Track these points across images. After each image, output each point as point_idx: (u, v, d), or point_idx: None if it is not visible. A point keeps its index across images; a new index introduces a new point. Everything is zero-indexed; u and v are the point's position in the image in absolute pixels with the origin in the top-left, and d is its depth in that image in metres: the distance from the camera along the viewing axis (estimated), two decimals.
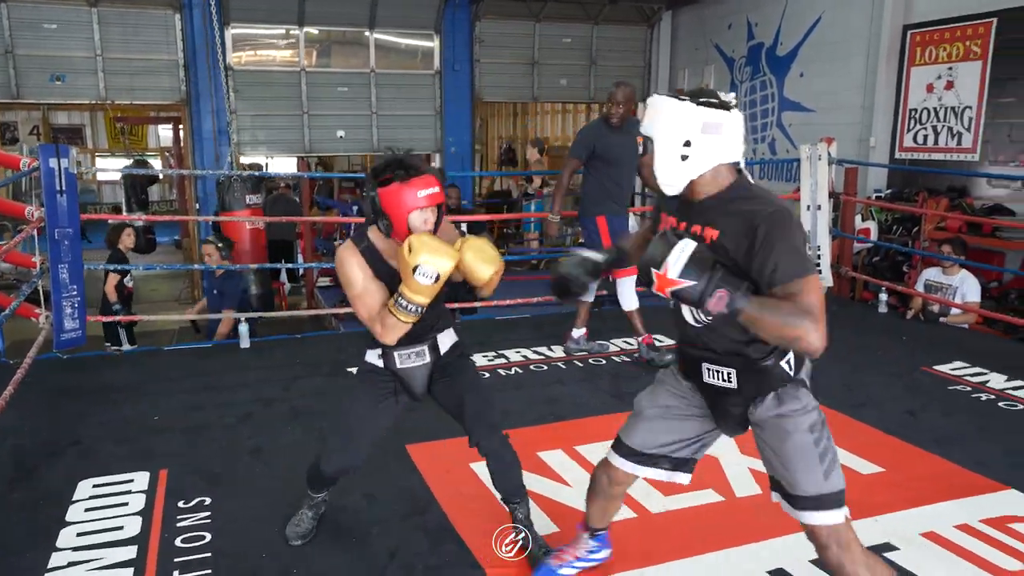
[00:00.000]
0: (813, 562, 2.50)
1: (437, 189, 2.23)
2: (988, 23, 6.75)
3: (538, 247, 11.53)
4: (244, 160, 10.18)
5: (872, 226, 7.34)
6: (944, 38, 7.17)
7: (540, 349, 4.94)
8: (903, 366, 4.57)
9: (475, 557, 2.56)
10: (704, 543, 2.63)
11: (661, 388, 2.16)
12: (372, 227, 2.33)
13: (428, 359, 2.47)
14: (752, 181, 1.88)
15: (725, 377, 1.92)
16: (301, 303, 9.63)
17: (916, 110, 7.53)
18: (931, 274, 5.78)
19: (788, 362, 1.89)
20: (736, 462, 3.25)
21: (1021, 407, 3.90)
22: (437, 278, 2.16)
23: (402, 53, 10.89)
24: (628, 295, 4.62)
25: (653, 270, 1.74)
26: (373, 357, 2.48)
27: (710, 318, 1.84)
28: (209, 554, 2.59)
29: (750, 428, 2.01)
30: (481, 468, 3.20)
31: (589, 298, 4.74)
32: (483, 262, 2.24)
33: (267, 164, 12.41)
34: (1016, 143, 6.66)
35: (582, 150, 4.53)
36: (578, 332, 4.83)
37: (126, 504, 2.92)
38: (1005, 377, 4.28)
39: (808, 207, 6.12)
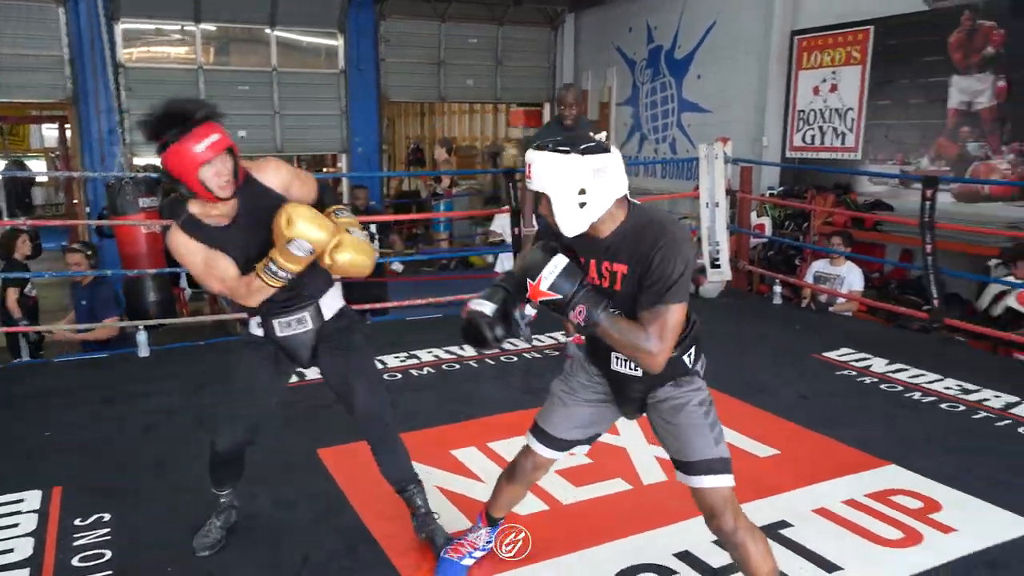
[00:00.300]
0: (715, 542, 2.63)
1: (218, 136, 2.07)
2: (866, 30, 7.20)
3: (448, 247, 11.53)
4: (138, 161, 9.74)
5: (766, 222, 7.71)
6: (828, 43, 7.60)
7: (452, 348, 4.96)
8: (796, 354, 4.83)
9: (389, 558, 2.56)
10: (614, 530, 2.72)
11: (572, 378, 2.27)
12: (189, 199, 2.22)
13: (311, 325, 2.36)
14: (638, 204, 2.00)
15: (632, 366, 2.05)
16: (203, 309, 9.29)
17: (804, 111, 7.95)
18: (820, 265, 6.13)
19: (688, 355, 2.07)
20: (642, 451, 3.37)
21: (900, 388, 4.19)
22: (311, 252, 2.10)
23: (305, 52, 10.66)
24: None
25: (528, 280, 1.94)
26: (253, 326, 2.38)
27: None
28: (110, 572, 2.49)
29: (645, 413, 2.18)
30: None
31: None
32: (360, 259, 2.21)
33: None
34: (893, 143, 7.13)
35: None
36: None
37: (16, 525, 2.77)
38: (886, 361, 4.58)
39: (707, 204, 6.37)
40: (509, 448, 3.37)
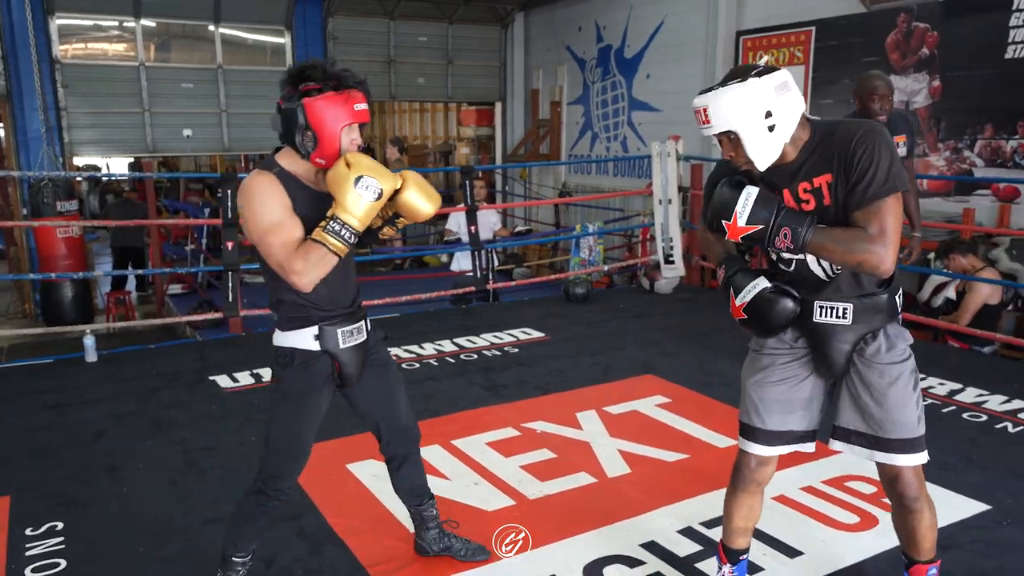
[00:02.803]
0: (681, 532, 2.68)
1: (366, 106, 1.98)
2: (808, 31, 7.39)
3: (401, 246, 11.45)
4: (78, 161, 9.42)
5: None
6: (771, 44, 7.79)
7: (410, 348, 4.93)
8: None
9: (356, 557, 2.54)
10: (580, 523, 2.74)
11: (761, 356, 2.09)
12: (280, 153, 2.04)
13: (365, 336, 2.18)
14: (817, 119, 1.90)
15: (840, 313, 1.93)
16: (151, 312, 9.05)
17: None
18: None
19: (898, 296, 1.97)
20: (606, 444, 3.41)
21: None
22: (380, 195, 1.90)
23: (251, 49, 10.46)
24: None
25: (723, 220, 1.86)
26: (306, 339, 2.07)
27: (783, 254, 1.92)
28: None
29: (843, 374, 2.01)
30: (359, 468, 3.18)
31: None
32: (426, 197, 2.04)
33: (107, 165, 11.56)
34: None
35: None
36: None
37: None
38: None
39: (660, 201, 6.47)
40: (474, 445, 3.39)
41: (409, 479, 2.40)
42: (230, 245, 4.87)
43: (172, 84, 9.70)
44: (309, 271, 1.92)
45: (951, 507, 2.82)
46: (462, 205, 5.90)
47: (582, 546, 2.60)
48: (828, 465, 3.19)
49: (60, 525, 2.74)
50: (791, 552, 2.56)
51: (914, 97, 6.57)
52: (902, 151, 3.84)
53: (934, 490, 2.91)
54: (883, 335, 1.95)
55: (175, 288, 9.06)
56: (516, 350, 4.88)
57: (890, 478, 2.00)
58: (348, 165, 1.89)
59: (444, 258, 8.69)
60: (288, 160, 2.03)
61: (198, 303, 7.85)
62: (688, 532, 2.68)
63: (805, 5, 7.36)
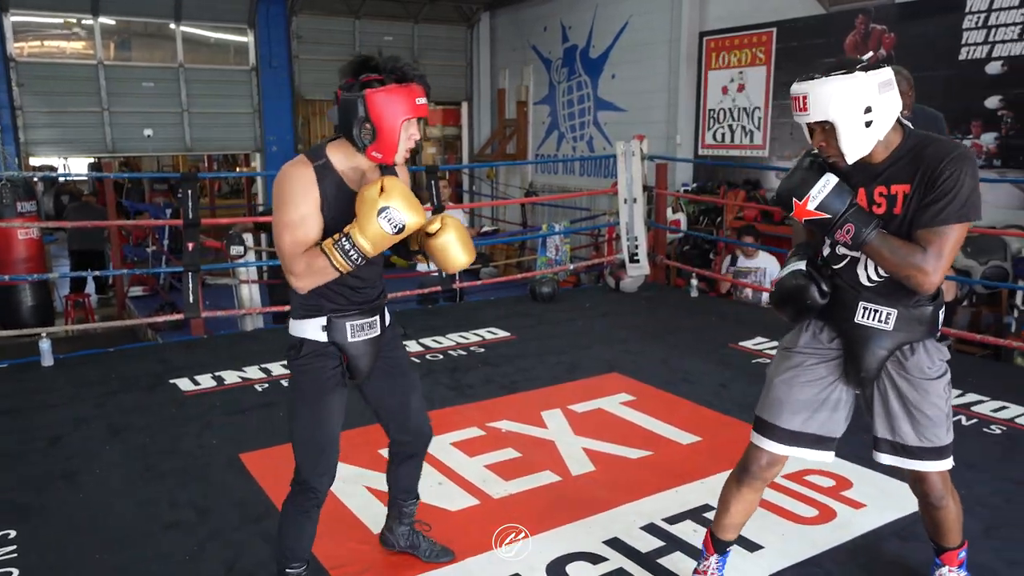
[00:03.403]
0: (644, 528, 2.70)
1: (426, 101, 1.94)
2: (769, 32, 7.50)
3: None
4: (34, 161, 9.22)
5: (682, 217, 7.94)
6: (734, 45, 7.88)
7: None
8: (714, 344, 4.99)
9: (319, 560, 2.51)
10: (544, 521, 2.74)
11: (793, 354, 2.08)
12: (333, 143, 1.97)
13: (378, 332, 2.12)
14: (912, 127, 1.91)
15: (883, 318, 1.94)
16: (112, 314, 8.88)
17: (714, 110, 8.21)
18: (739, 262, 6.34)
19: (941, 312, 1.98)
20: (571, 443, 3.42)
21: None
22: (401, 230, 1.85)
23: (213, 48, 10.33)
24: None
25: (793, 199, 1.87)
26: (314, 330, 2.03)
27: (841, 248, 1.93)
28: None
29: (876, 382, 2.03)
30: None
31: None
32: (462, 247, 1.99)
33: (65, 165, 11.32)
34: (797, 140, 7.46)
35: None
36: None
37: None
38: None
39: (625, 200, 6.51)
40: (439, 445, 3.37)
41: (407, 477, 2.39)
42: (191, 246, 4.80)
43: (132, 83, 9.55)
44: (308, 277, 1.90)
45: (905, 499, 2.86)
46: (428, 205, 5.88)
47: (545, 544, 2.60)
48: (788, 460, 3.22)
49: (13, 533, 2.67)
50: (751, 546, 2.58)
51: None
52: None
53: (892, 483, 2.98)
54: (923, 349, 1.97)
55: (136, 290, 8.91)
56: (482, 350, 4.87)
57: (914, 479, 2.07)
58: (382, 190, 1.84)
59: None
60: (338, 154, 1.97)
61: (160, 305, 7.73)
62: (651, 528, 2.70)
63: (766, 6, 7.47)
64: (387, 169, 2.04)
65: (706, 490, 2.98)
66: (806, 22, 7.13)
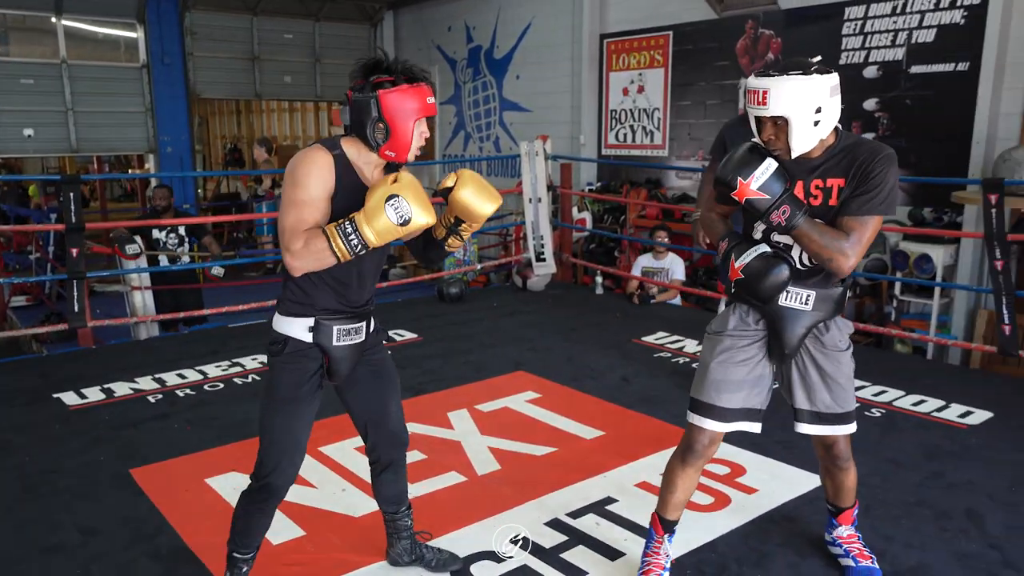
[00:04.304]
0: (548, 524, 2.73)
1: (435, 100, 2.01)
2: (666, 35, 7.72)
3: (274, 248, 11.05)
4: None
5: (587, 216, 8.07)
6: (633, 47, 8.08)
7: None
8: (618, 339, 5.10)
9: (213, 575, 2.42)
10: (449, 522, 2.74)
11: (723, 337, 2.22)
12: (346, 139, 2.00)
13: (363, 337, 2.13)
14: (842, 128, 2.08)
15: (804, 299, 2.13)
16: None
17: (616, 111, 8.39)
18: (645, 261, 6.49)
19: (847, 293, 2.20)
20: (477, 442, 3.42)
21: None
22: (406, 222, 1.87)
23: (101, 44, 9.80)
24: None
25: (738, 179, 1.98)
26: (300, 329, 2.03)
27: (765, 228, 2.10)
28: None
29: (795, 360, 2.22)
30: (219, 482, 3.05)
31: None
32: (484, 197, 2.02)
33: None
34: (695, 140, 7.71)
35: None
36: None
37: None
38: (697, 342, 4.95)
39: (530, 200, 6.57)
40: (342, 451, 3.32)
41: (390, 485, 2.38)
42: (75, 252, 4.55)
43: (10, 80, 8.96)
44: (304, 257, 1.89)
45: (794, 483, 3.02)
46: None
47: (448, 546, 2.59)
48: None
49: None
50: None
51: None
52: None
53: (780, 467, 3.12)
54: (835, 325, 2.19)
55: (19, 300, 8.37)
56: (389, 352, 4.80)
57: (827, 445, 2.29)
58: (395, 180, 1.87)
59: None
60: (351, 149, 2.00)
61: (46, 315, 7.29)
62: (555, 524, 2.74)
63: (663, 10, 7.68)
64: (394, 167, 2.04)
65: (608, 483, 3.05)
66: (700, 26, 7.37)
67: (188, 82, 10.06)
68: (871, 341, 5.78)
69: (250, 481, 2.13)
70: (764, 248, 2.11)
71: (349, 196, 1.95)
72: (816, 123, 1.96)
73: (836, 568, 2.46)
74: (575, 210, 7.69)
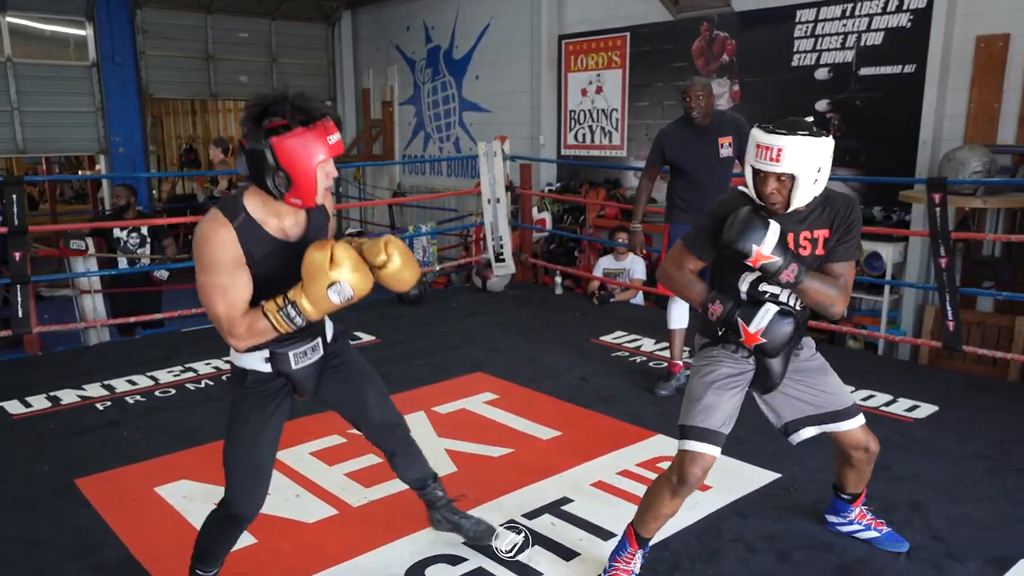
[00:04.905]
0: (503, 526, 2.72)
1: (339, 137, 1.89)
2: (623, 36, 7.78)
3: None
4: None
5: (547, 216, 8.09)
6: (591, 48, 8.12)
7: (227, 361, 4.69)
8: (576, 339, 5.12)
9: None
10: (405, 526, 2.72)
11: (715, 367, 2.30)
12: (249, 191, 1.89)
13: (321, 352, 2.11)
14: None
15: None
16: None
17: (575, 111, 8.43)
18: (606, 262, 6.52)
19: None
20: (434, 444, 3.40)
21: (665, 364, 4.58)
22: (350, 298, 1.85)
23: (48, 42, 9.55)
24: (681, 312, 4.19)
25: (754, 246, 2.07)
26: (257, 361, 2.00)
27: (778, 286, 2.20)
28: None
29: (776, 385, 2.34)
30: (169, 490, 3.00)
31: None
32: (409, 275, 2.00)
33: None
34: (652, 140, 7.76)
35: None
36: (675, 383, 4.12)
37: None
38: (654, 341, 5.00)
39: (488, 201, 6.56)
40: (296, 456, 3.28)
41: (405, 469, 2.40)
42: (17, 256, 4.42)
43: None
44: (249, 339, 1.87)
45: (746, 479, 3.06)
46: None
47: (404, 549, 2.58)
48: (642, 449, 3.37)
49: None
50: (605, 535, 2.67)
51: (718, 100, 7.08)
52: (727, 152, 3.93)
53: (731, 463, 3.16)
54: (804, 343, 2.37)
55: None
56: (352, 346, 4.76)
57: (854, 444, 2.37)
58: (332, 261, 1.80)
59: None
60: (254, 202, 1.89)
61: None
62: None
63: (620, 12, 7.74)
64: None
65: (564, 483, 3.06)
66: (656, 28, 7.44)
67: (140, 81, 9.86)
68: (824, 338, 5.89)
69: (216, 507, 2.11)
70: (772, 308, 2.18)
71: (265, 261, 1.89)
72: (815, 181, 2.09)
73: (785, 563, 2.51)
74: (535, 210, 7.70)
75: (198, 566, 2.17)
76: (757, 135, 2.08)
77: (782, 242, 2.11)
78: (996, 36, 5.32)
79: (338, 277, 1.81)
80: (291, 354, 2.01)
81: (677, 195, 4.05)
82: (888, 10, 5.83)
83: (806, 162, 2.05)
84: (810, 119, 2.20)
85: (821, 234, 2.20)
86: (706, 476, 2.24)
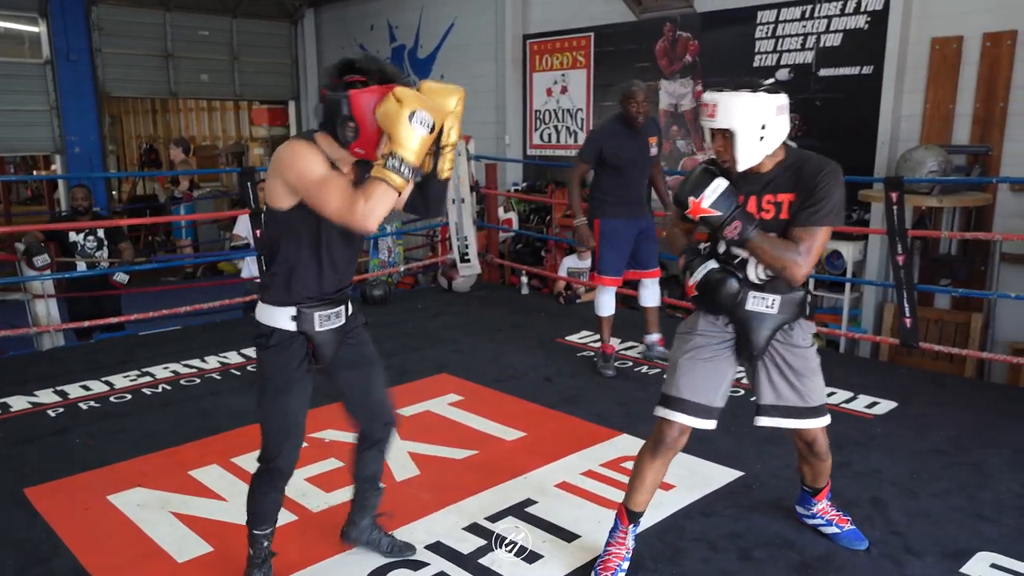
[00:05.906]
0: (467, 528, 2.70)
1: None
2: (587, 37, 7.79)
3: (193, 253, 10.70)
4: None
5: (513, 216, 8.07)
6: (556, 48, 8.12)
7: (192, 362, 4.60)
8: (542, 339, 5.11)
9: None
10: None
11: (693, 336, 2.35)
12: (319, 134, 2.05)
13: (343, 321, 2.22)
14: (793, 145, 2.24)
15: (769, 304, 2.26)
16: None
17: (540, 111, 8.42)
18: (571, 262, 6.52)
19: (809, 296, 2.33)
20: (396, 447, 3.33)
21: (629, 363, 4.60)
22: (432, 127, 1.93)
23: (0, 38, 9.30)
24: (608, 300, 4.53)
25: (691, 198, 2.13)
26: (283, 319, 2.12)
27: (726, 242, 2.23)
28: None
29: (756, 360, 2.35)
30: (122, 498, 2.93)
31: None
32: (444, 94, 2.05)
33: None
34: (587, 137, 7.78)
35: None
36: (653, 337, 4.68)
37: None
38: (619, 340, 5.00)
39: (453, 201, 6.52)
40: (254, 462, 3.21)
41: (373, 463, 2.46)
42: None
43: None
44: (373, 209, 1.92)
45: (710, 478, 3.07)
46: (247, 208, 5.60)
47: (365, 554, 2.54)
48: (606, 448, 3.36)
49: None
50: (569, 536, 2.65)
51: (681, 100, 7.13)
52: (654, 151, 4.31)
53: (695, 462, 3.17)
54: (799, 326, 2.33)
55: None
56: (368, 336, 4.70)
57: (809, 440, 2.43)
58: (399, 101, 1.90)
59: (240, 264, 8.23)
60: (324, 143, 2.05)
61: None
62: (473, 528, 2.71)
63: (584, 12, 7.75)
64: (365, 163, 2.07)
65: (528, 485, 3.04)
66: (620, 28, 7.45)
67: (97, 80, 9.62)
68: None
69: (258, 465, 2.24)
70: (712, 264, 2.27)
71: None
72: (761, 138, 2.11)
73: (747, 561, 2.52)
74: (501, 210, 7.68)
75: (253, 528, 2.29)
76: (704, 94, 2.18)
77: (728, 199, 2.15)
78: (950, 38, 5.42)
79: (411, 107, 1.89)
80: (316, 315, 2.14)
81: (607, 191, 4.32)
82: (846, 12, 5.91)
83: (742, 118, 2.09)
84: (771, 81, 2.22)
85: (786, 197, 2.20)
86: (684, 439, 2.33)
